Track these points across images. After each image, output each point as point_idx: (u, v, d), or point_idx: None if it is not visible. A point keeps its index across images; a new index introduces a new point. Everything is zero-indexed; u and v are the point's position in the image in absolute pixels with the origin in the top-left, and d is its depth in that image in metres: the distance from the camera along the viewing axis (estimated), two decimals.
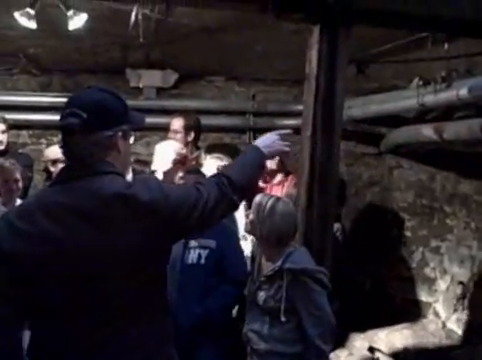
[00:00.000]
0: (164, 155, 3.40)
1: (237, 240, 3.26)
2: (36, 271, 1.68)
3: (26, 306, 1.71)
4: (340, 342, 4.92)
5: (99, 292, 1.68)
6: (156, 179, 2.25)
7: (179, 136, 4.15)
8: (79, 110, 1.69)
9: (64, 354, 1.71)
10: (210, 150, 4.33)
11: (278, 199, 2.74)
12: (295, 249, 2.67)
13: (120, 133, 1.77)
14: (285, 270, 2.56)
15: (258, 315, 2.69)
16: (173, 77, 5.30)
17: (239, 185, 1.86)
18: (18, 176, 3.43)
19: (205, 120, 4.59)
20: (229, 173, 1.89)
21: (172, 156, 3.45)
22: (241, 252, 3.18)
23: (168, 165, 3.38)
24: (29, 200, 1.87)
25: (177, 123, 4.22)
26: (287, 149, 2.12)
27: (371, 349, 4.77)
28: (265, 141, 2.06)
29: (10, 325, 1.72)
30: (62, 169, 1.79)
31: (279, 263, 2.61)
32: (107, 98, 1.80)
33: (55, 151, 4.19)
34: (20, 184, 3.45)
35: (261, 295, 2.66)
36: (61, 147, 1.78)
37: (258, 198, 2.74)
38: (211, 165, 3.61)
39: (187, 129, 4.18)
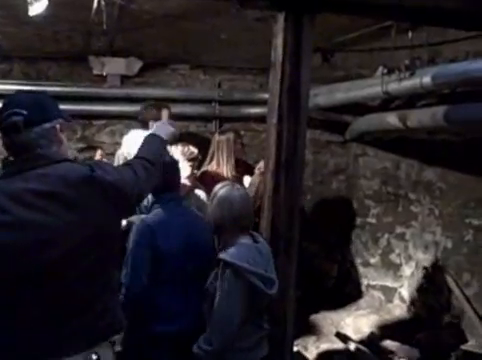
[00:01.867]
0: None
1: None
2: (18, 257, 1.76)
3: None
4: (307, 328, 4.98)
5: (74, 270, 1.85)
6: (107, 162, 2.44)
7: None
8: (19, 109, 1.88)
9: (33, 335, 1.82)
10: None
11: (225, 186, 2.73)
12: (244, 243, 2.63)
13: (58, 125, 1.98)
14: (220, 260, 2.54)
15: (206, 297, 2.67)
16: (137, 65, 5.24)
17: (155, 163, 2.25)
18: None
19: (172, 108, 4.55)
20: (145, 156, 2.25)
21: None
22: None
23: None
24: None
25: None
26: (173, 129, 2.53)
27: (338, 334, 4.83)
28: (162, 130, 2.47)
29: None
30: (13, 161, 1.90)
31: (221, 252, 2.59)
32: (40, 96, 2.03)
33: None
34: None
35: (209, 278, 2.65)
36: (6, 146, 1.91)
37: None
38: (177, 152, 3.58)
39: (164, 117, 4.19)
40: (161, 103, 4.45)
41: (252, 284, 2.48)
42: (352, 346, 4.56)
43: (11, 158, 1.90)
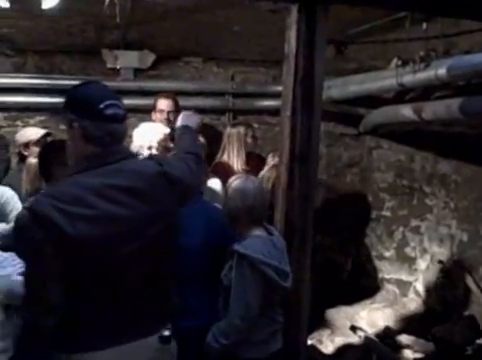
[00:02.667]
0: (150, 135, 3.34)
1: None
2: (103, 250, 1.83)
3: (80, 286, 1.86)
4: (322, 321, 4.97)
5: (150, 260, 1.96)
6: (169, 157, 2.43)
7: (166, 116, 4.12)
8: (117, 101, 1.95)
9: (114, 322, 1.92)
10: None
11: (239, 178, 2.76)
12: (258, 235, 2.64)
13: None
14: (235, 251, 2.54)
15: (221, 289, 2.68)
16: (150, 58, 5.23)
17: (201, 156, 2.36)
18: None
19: (183, 101, 4.54)
20: (192, 150, 2.32)
21: (159, 137, 3.40)
22: None
23: (154, 145, 3.33)
24: (64, 186, 1.88)
25: (165, 103, 4.18)
26: (198, 118, 2.61)
27: (353, 328, 4.82)
28: (190, 120, 2.52)
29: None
30: (94, 155, 1.91)
31: (235, 244, 2.59)
32: None
33: (25, 135, 4.12)
34: None
35: (223, 270, 2.65)
36: (103, 134, 1.91)
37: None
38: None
39: (175, 110, 4.15)
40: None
41: (267, 276, 2.48)
42: (367, 340, 4.54)
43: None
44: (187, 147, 2.35)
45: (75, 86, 1.99)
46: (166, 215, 2.01)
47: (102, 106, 1.89)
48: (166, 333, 2.06)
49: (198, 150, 2.39)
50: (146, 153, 3.24)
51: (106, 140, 1.91)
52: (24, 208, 2.95)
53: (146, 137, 3.31)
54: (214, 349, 2.53)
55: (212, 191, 3.59)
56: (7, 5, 3.41)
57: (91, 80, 2.13)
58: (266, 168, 4.00)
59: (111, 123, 1.92)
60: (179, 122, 2.55)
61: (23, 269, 2.53)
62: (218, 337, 2.52)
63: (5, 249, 2.72)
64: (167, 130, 3.60)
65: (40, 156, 3.10)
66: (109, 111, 1.90)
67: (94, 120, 1.89)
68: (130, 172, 1.93)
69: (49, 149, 3.09)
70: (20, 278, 2.49)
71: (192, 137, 2.46)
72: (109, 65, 5.13)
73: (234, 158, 4.17)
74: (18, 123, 5.18)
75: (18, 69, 5.08)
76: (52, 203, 1.77)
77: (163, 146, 3.43)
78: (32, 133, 4.10)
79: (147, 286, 1.99)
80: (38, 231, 1.76)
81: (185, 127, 2.49)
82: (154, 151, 3.27)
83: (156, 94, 4.39)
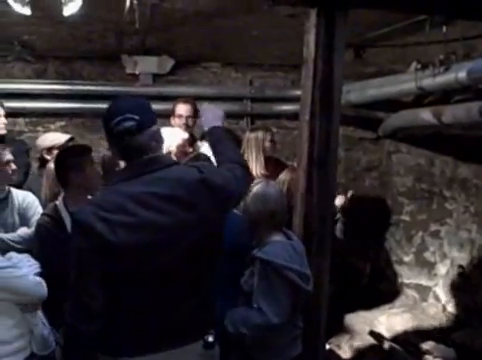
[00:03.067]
0: (169, 140, 3.37)
1: None
2: (141, 258, 1.87)
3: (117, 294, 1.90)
4: (340, 327, 4.95)
5: (188, 267, 1.97)
6: (210, 164, 2.42)
7: (184, 121, 4.16)
8: (130, 114, 1.93)
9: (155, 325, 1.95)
10: (204, 136, 4.32)
11: (260, 183, 2.77)
12: (279, 241, 2.64)
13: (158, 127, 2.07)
14: (257, 258, 2.55)
15: (240, 295, 2.68)
16: (169, 63, 5.27)
17: (244, 164, 2.32)
18: (9, 157, 3.32)
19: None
20: (236, 160, 2.28)
21: (178, 142, 3.43)
22: None
23: (173, 150, 3.37)
24: (107, 194, 1.95)
25: (184, 108, 4.21)
26: (221, 111, 2.52)
27: (372, 333, 4.78)
28: (212, 118, 2.45)
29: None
30: (129, 166, 1.99)
31: (255, 250, 2.60)
32: (143, 100, 2.08)
33: (49, 139, 4.16)
34: (14, 166, 3.34)
35: (243, 277, 2.66)
36: (120, 150, 1.99)
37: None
38: (208, 150, 3.59)
39: (193, 115, 4.18)
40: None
41: (290, 280, 2.48)
42: (386, 345, 4.51)
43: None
44: (232, 157, 2.30)
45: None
46: (206, 222, 2.00)
47: (112, 124, 1.94)
48: (210, 339, 2.08)
49: (241, 159, 2.39)
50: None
51: (125, 154, 1.99)
52: (44, 214, 3.00)
53: (166, 142, 3.34)
54: (231, 334, 2.55)
55: None
56: (29, 12, 3.46)
57: (120, 95, 2.20)
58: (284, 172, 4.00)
59: (123, 138, 1.95)
60: (205, 123, 2.49)
61: (38, 270, 2.58)
62: (238, 325, 2.52)
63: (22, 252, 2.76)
64: (185, 135, 3.63)
65: (56, 161, 3.09)
66: (119, 127, 1.93)
67: (111, 137, 1.98)
68: (171, 180, 1.95)
69: (66, 154, 3.09)
70: (36, 278, 2.53)
71: (227, 140, 2.40)
72: (128, 71, 5.18)
73: (253, 163, 4.18)
74: (39, 128, 5.25)
75: (39, 75, 5.16)
76: (95, 212, 1.83)
77: (181, 151, 3.46)
78: (56, 138, 4.14)
79: (189, 293, 2.01)
80: (81, 240, 1.83)
81: (214, 129, 2.43)
82: (173, 156, 3.30)
83: (175, 99, 4.42)
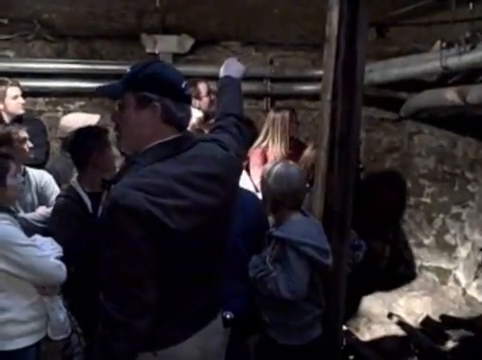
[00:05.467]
0: None
1: None
2: (191, 242, 1.74)
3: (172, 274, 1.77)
4: (359, 309, 4.93)
5: (224, 244, 1.95)
6: (223, 136, 2.22)
7: (204, 100, 4.13)
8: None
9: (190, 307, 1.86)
10: None
11: (279, 163, 2.76)
12: (296, 219, 2.63)
13: None
14: (273, 237, 2.56)
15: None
16: (189, 42, 5.22)
17: (243, 117, 2.25)
18: (24, 135, 3.34)
19: None
20: (235, 112, 2.19)
21: (192, 121, 3.40)
22: None
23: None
24: (147, 177, 1.68)
25: (202, 86, 4.19)
26: (243, 66, 2.44)
27: (390, 315, 4.76)
28: (232, 68, 2.34)
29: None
30: (174, 140, 1.77)
31: (272, 229, 2.63)
32: None
33: (81, 119, 4.09)
34: (30, 143, 3.36)
35: (261, 256, 2.67)
36: (188, 115, 1.85)
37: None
38: None
39: (211, 94, 4.17)
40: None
41: (308, 255, 2.48)
42: (405, 328, 4.49)
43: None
44: (226, 106, 2.20)
45: (147, 64, 1.81)
46: (233, 198, 1.97)
47: (183, 86, 1.79)
48: (228, 316, 2.09)
49: (238, 110, 2.23)
50: None
51: (186, 122, 1.83)
52: (60, 196, 2.98)
53: None
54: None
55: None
56: None
57: (155, 60, 2.05)
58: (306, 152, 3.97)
59: (189, 104, 1.85)
60: (222, 72, 2.36)
61: (60, 254, 2.58)
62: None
63: (44, 233, 2.77)
64: (199, 114, 3.61)
65: (75, 141, 3.05)
66: (188, 91, 1.83)
67: (177, 100, 1.77)
68: (206, 157, 1.82)
69: (86, 135, 3.05)
70: (57, 261, 2.54)
71: (234, 92, 2.28)
72: (148, 50, 5.14)
73: (277, 143, 4.16)
74: (59, 108, 5.25)
75: (59, 54, 5.14)
76: (146, 197, 1.62)
77: (196, 130, 3.43)
78: (87, 118, 4.10)
79: (221, 269, 1.98)
80: (136, 228, 1.61)
81: (227, 78, 2.30)
82: None
83: (194, 78, 4.39)
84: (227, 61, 2.42)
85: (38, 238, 2.64)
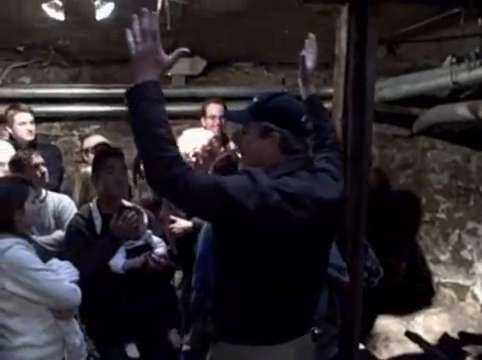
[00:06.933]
0: (194, 142, 3.36)
1: None
2: (299, 253, 1.86)
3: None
4: (376, 327, 4.89)
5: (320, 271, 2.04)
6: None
7: (218, 122, 4.13)
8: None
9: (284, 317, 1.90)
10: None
11: None
12: None
13: None
14: None
15: None
16: (201, 64, 5.28)
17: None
18: (39, 160, 3.37)
19: (234, 107, 4.53)
20: (338, 142, 2.37)
21: (202, 143, 3.41)
22: None
23: (199, 152, 3.34)
24: (295, 186, 1.82)
25: (217, 108, 4.18)
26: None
27: (408, 333, 4.71)
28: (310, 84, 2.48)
29: None
30: (291, 160, 1.90)
31: None
32: None
33: (85, 141, 4.23)
34: (44, 168, 3.39)
35: None
36: (305, 146, 1.97)
37: None
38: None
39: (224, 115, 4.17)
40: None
41: (328, 275, 2.47)
42: (423, 346, 4.44)
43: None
44: (327, 133, 2.27)
45: (272, 96, 1.97)
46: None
47: (303, 120, 1.92)
48: (316, 331, 2.06)
49: (336, 138, 2.36)
50: (191, 160, 3.25)
51: (301, 153, 1.94)
52: (76, 215, 3.02)
53: (190, 144, 3.32)
54: None
55: None
56: (62, 17, 3.53)
57: (280, 92, 2.11)
58: None
59: (307, 136, 1.98)
60: (303, 90, 2.42)
61: (76, 278, 2.59)
62: None
63: (61, 257, 2.78)
64: (211, 135, 3.60)
65: (93, 161, 3.13)
66: (308, 125, 1.95)
67: (296, 133, 1.91)
68: (322, 183, 1.93)
69: (102, 154, 3.12)
70: (71, 285, 2.53)
71: (326, 113, 2.38)
72: None
73: None
74: (74, 132, 5.33)
75: (73, 79, 5.24)
76: (281, 199, 1.76)
77: (208, 151, 3.43)
78: (91, 140, 4.21)
79: (309, 285, 2.00)
80: (290, 210, 1.77)
81: (316, 98, 2.38)
82: (199, 159, 3.29)
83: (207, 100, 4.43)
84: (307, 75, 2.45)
85: (55, 262, 2.64)
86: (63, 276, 2.54)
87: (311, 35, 2.46)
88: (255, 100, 1.98)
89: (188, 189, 1.65)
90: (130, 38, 1.73)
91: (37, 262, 2.49)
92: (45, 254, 2.78)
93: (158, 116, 1.67)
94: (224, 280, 1.94)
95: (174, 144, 1.68)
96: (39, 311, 2.49)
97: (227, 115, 2.19)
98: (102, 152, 3.23)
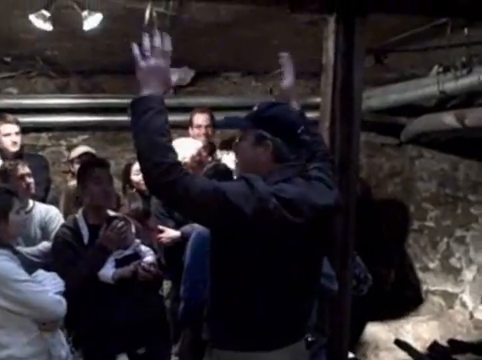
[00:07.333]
0: (183, 151, 3.36)
1: None
2: (296, 258, 1.88)
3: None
4: (365, 335, 4.89)
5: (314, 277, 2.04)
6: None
7: (204, 131, 4.13)
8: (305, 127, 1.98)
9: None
10: (224, 146, 4.34)
11: None
12: None
13: None
14: None
15: None
16: (190, 74, 5.29)
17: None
18: (25, 171, 3.34)
19: (223, 116, 4.56)
20: (328, 152, 2.44)
21: (191, 152, 3.41)
22: None
23: (188, 162, 3.34)
24: (292, 192, 1.83)
25: (202, 118, 4.19)
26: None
27: (398, 341, 4.72)
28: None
29: None
30: (286, 167, 1.92)
31: None
32: None
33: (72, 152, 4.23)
34: (31, 179, 3.36)
35: None
36: (298, 157, 1.97)
37: None
38: (230, 161, 3.58)
39: (211, 125, 4.17)
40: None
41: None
42: (413, 354, 4.44)
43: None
44: (318, 143, 2.30)
45: (268, 105, 2.00)
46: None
47: (299, 131, 1.93)
48: (310, 338, 2.06)
49: (326, 147, 2.41)
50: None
51: (295, 162, 1.95)
52: (62, 226, 3.00)
53: (179, 154, 3.32)
54: None
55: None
56: (50, 28, 3.52)
57: (279, 102, 2.14)
58: None
59: (302, 147, 1.98)
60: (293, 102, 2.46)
61: (62, 289, 2.56)
62: None
63: (47, 268, 2.76)
64: (199, 144, 3.61)
65: (78, 171, 3.10)
66: (304, 137, 1.95)
67: (291, 143, 1.92)
68: (318, 190, 1.94)
69: (87, 164, 3.09)
70: (56, 296, 2.50)
71: (317, 137, 2.40)
72: None
73: None
74: (62, 142, 5.31)
75: (61, 90, 5.22)
76: (278, 205, 1.78)
77: (197, 161, 3.43)
78: (77, 150, 4.20)
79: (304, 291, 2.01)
80: (287, 213, 1.78)
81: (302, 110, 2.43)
82: (188, 169, 3.28)
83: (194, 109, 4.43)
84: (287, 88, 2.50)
85: (40, 273, 2.61)
86: (48, 287, 2.52)
87: (283, 54, 2.48)
88: (255, 108, 2.01)
89: (187, 193, 1.67)
90: (136, 51, 1.79)
91: (21, 273, 2.46)
92: (30, 265, 2.76)
93: (161, 126, 1.71)
94: (220, 286, 1.94)
95: (174, 152, 1.72)
96: (23, 323, 2.45)
97: (226, 121, 2.24)
98: (88, 163, 3.21)
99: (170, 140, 1.73)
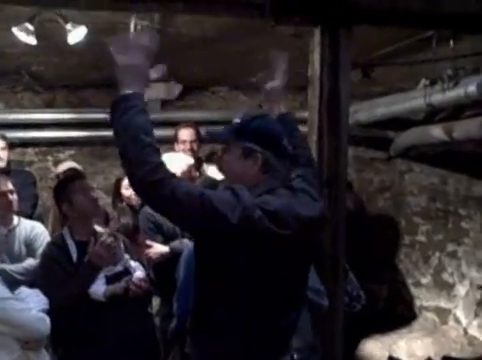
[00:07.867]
0: (173, 167, 3.32)
1: None
2: (287, 270, 1.86)
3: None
4: (358, 352, 4.82)
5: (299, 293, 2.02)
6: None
7: (189, 146, 4.10)
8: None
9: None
10: (209, 158, 4.32)
11: None
12: None
13: None
14: None
15: None
16: (177, 89, 5.27)
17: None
18: (7, 187, 3.27)
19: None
20: (312, 158, 2.41)
21: (183, 168, 3.38)
22: None
23: (178, 177, 3.31)
24: (276, 203, 1.80)
25: (187, 133, 4.16)
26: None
27: (391, 358, 4.65)
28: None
29: None
30: (271, 178, 1.90)
31: None
32: None
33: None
34: (13, 196, 3.29)
35: None
36: (286, 169, 1.96)
37: None
38: (217, 173, 3.54)
39: (197, 140, 4.14)
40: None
41: (308, 299, 2.41)
42: None
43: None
44: (304, 157, 2.25)
45: (254, 117, 1.99)
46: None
47: (285, 143, 1.94)
48: (295, 356, 2.02)
49: (309, 152, 2.39)
50: None
51: (284, 175, 1.94)
52: (49, 243, 2.95)
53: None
54: None
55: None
56: (34, 42, 3.48)
57: (262, 113, 2.11)
58: None
59: (287, 157, 1.96)
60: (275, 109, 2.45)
61: (46, 306, 2.51)
62: None
63: (31, 285, 2.71)
64: (191, 161, 3.57)
65: (58, 186, 3.06)
66: (288, 147, 1.96)
67: (278, 155, 1.91)
68: (304, 202, 1.91)
69: (57, 186, 3.06)
70: (40, 314, 2.45)
71: (297, 128, 2.39)
72: None
73: None
74: (49, 158, 5.26)
75: (48, 104, 5.18)
76: (267, 221, 1.75)
77: (188, 176, 3.39)
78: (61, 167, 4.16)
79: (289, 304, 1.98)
80: (272, 227, 1.75)
81: (288, 115, 2.45)
82: None
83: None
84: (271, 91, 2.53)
85: (23, 290, 2.58)
86: (32, 305, 2.48)
87: (277, 50, 2.52)
88: (237, 120, 1.98)
89: (174, 195, 1.63)
90: (113, 47, 1.76)
91: (3, 291, 2.41)
92: (13, 283, 2.72)
93: (145, 124, 1.67)
94: (202, 298, 1.90)
95: (159, 154, 1.68)
96: (5, 342, 2.39)
97: (209, 134, 2.21)
98: (65, 179, 3.23)
99: (154, 141, 1.67)
